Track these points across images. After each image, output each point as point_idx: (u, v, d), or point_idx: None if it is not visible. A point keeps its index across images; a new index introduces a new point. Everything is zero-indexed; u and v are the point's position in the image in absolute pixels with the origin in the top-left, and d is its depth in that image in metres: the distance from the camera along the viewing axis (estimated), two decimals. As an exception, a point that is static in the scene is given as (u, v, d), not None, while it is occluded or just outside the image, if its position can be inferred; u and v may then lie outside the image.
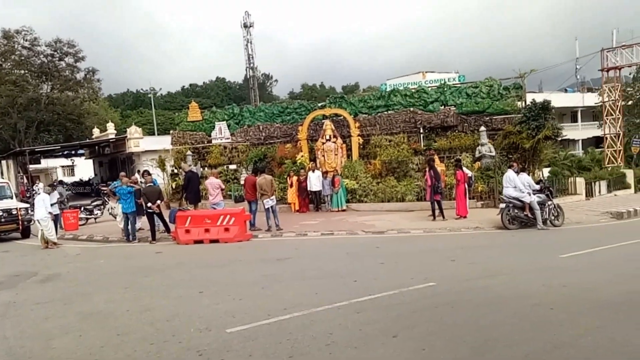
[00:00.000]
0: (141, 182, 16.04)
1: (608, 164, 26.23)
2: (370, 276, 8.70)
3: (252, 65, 67.19)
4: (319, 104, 25.00)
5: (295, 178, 20.16)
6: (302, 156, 21.97)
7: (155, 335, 6.09)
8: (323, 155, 21.51)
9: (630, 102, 36.71)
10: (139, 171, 22.94)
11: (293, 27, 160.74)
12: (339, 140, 21.64)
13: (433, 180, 15.54)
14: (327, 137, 21.55)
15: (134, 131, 38.31)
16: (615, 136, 26.59)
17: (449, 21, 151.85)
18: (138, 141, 37.89)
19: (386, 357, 5.08)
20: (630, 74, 37.70)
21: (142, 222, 15.74)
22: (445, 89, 22.19)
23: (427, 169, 16.19)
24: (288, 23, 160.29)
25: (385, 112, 22.73)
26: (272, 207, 15.15)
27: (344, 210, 19.40)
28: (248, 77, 70.72)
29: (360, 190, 20.07)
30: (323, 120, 22.54)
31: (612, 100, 26.71)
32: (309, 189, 19.99)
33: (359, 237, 13.80)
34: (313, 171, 20.05)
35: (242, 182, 21.19)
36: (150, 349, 5.62)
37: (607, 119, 26.84)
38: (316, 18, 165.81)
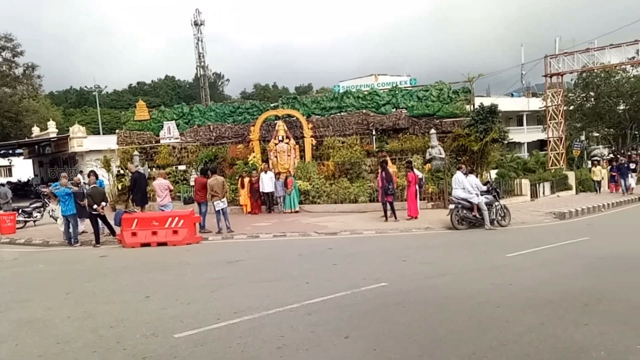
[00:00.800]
0: (84, 183, 15.40)
1: (551, 166, 27.24)
2: (322, 277, 8.64)
3: (202, 64, 66.27)
4: (272, 105, 24.78)
5: (247, 179, 19.91)
6: (254, 157, 21.73)
7: (98, 342, 5.81)
8: (276, 156, 21.35)
9: (571, 107, 38.33)
10: (81, 172, 22.07)
11: (246, 26, 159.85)
12: (292, 141, 21.54)
13: (385, 182, 15.67)
14: (280, 138, 21.41)
15: (77, 130, 36.96)
16: (558, 139, 27.65)
17: (401, 25, 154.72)
18: (81, 140, 36.58)
19: (337, 358, 5.03)
20: (571, 80, 39.39)
21: (86, 224, 15.13)
22: (397, 92, 22.48)
23: (379, 171, 16.31)
24: (240, 22, 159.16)
25: (338, 114, 22.78)
26: (223, 209, 14.88)
27: (296, 212, 19.31)
28: (199, 76, 69.59)
29: (314, 192, 20.03)
30: (276, 121, 22.37)
31: (555, 105, 27.77)
32: (261, 190, 19.78)
33: (311, 238, 13.73)
34: (265, 172, 19.86)
35: (191, 183, 20.77)
36: (92, 357, 5.36)
37: (551, 123, 27.89)
38: (269, 18, 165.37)
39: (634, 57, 29.29)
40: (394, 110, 22.24)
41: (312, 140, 21.71)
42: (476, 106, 20.58)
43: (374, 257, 10.69)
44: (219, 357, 5.17)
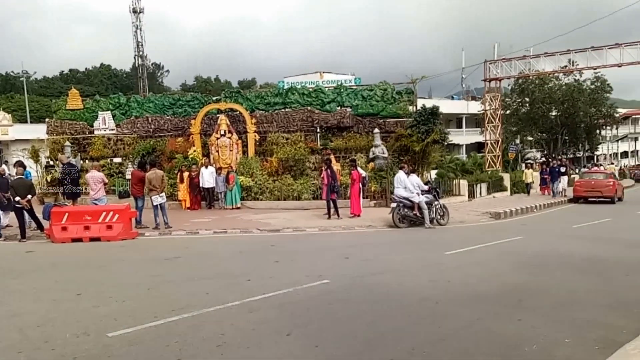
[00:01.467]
0: (9, 174, 14.46)
1: (488, 167, 28.26)
2: (264, 275, 8.49)
3: (141, 53, 63.89)
4: (214, 98, 24.26)
5: (186, 174, 19.38)
6: (194, 151, 21.22)
7: (24, 342, 5.41)
8: (217, 151, 20.93)
9: (508, 112, 39.94)
10: (6, 162, 20.77)
11: (188, 16, 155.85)
12: (235, 136, 21.18)
13: (330, 179, 15.68)
14: (222, 132, 21.00)
15: (1, 117, 34.87)
16: (494, 142, 28.72)
17: (346, 25, 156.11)
18: (7, 129, 34.64)
19: (279, 356, 4.93)
20: (508, 86, 41.05)
21: (12, 218, 14.22)
22: (342, 90, 22.59)
23: (324, 168, 16.32)
24: (183, 12, 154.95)
25: (283, 110, 22.62)
26: (161, 203, 14.39)
27: (238, 208, 19.00)
28: (137, 65, 66.79)
29: (256, 188, 19.79)
30: (218, 115, 21.94)
31: (493, 109, 28.82)
32: (201, 185, 19.32)
33: (253, 235, 13.53)
34: (206, 167, 19.42)
35: (127, 177, 20.01)
36: (18, 358, 4.98)
37: (488, 126, 28.93)
38: (212, 8, 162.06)
39: (566, 66, 30.82)
40: (339, 108, 22.34)
41: (255, 136, 21.44)
42: (419, 107, 21.00)
43: (317, 255, 10.65)
44: (156, 356, 4.94)
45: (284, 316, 6.14)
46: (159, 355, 4.97)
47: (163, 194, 14.56)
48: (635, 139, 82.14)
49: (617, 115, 50.00)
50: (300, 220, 15.68)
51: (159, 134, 23.24)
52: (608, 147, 67.36)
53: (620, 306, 6.43)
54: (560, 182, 25.02)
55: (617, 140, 71.01)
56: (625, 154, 79.43)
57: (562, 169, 25.95)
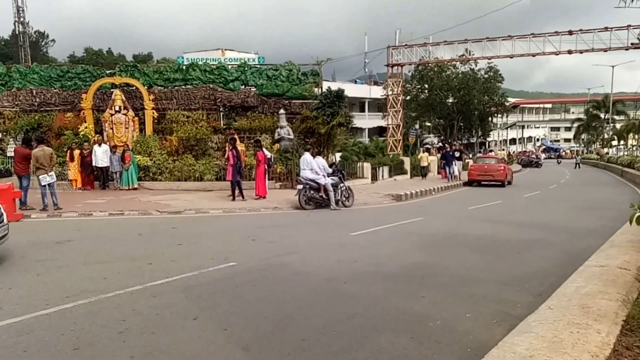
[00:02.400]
0: None
1: (390, 151, 29.18)
2: (166, 258, 8.06)
3: (22, 19, 57.98)
4: (108, 71, 22.71)
5: (77, 152, 18.01)
6: (86, 127, 19.80)
7: None
8: (112, 128, 19.66)
9: (408, 97, 41.44)
10: None
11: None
12: (131, 113, 19.99)
13: (235, 160, 15.30)
14: (117, 108, 19.74)
15: None
16: (396, 127, 29.68)
17: (248, 3, 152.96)
18: None
19: (186, 341, 4.64)
20: (409, 72, 42.56)
21: None
22: (246, 69, 22.08)
23: (229, 148, 15.89)
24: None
25: (184, 87, 21.71)
26: (50, 183, 13.23)
27: (135, 189, 18.04)
28: (17, 32, 60.64)
29: (155, 168, 18.88)
30: (112, 90, 20.58)
31: (395, 94, 29.70)
32: (94, 164, 18.07)
33: (153, 217, 12.88)
34: (99, 145, 18.19)
35: (9, 154, 18.27)
36: None
37: (390, 110, 29.81)
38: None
39: (463, 55, 32.47)
40: (243, 87, 21.87)
41: (153, 113, 20.40)
42: (324, 90, 21.07)
43: (222, 237, 10.33)
44: (50, 346, 4.46)
45: (190, 300, 5.84)
46: (53, 345, 4.50)
47: (52, 172, 13.40)
48: (523, 127, 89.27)
49: (508, 104, 53.82)
50: (203, 201, 15.18)
51: (45, 108, 21.37)
52: (499, 134, 72.48)
53: (513, 282, 6.80)
54: (455, 166, 26.23)
55: (507, 128, 76.66)
56: (513, 141, 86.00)
57: (457, 154, 27.25)
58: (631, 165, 32.44)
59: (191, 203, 14.80)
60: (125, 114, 19.80)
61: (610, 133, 60.46)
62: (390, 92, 30.20)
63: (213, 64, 22.58)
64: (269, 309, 5.54)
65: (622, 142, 58.51)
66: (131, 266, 7.49)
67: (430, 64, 37.49)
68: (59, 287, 6.29)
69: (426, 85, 44.29)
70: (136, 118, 20.14)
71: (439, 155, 29.34)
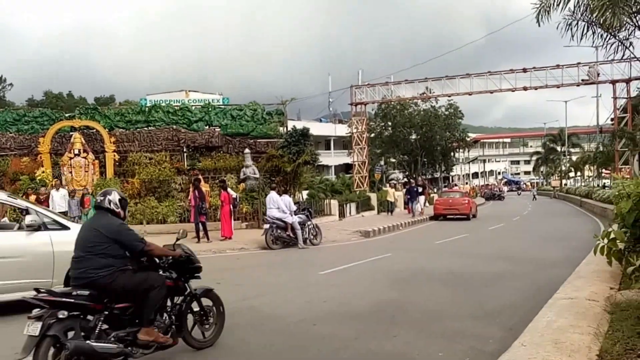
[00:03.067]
0: None
1: (356, 188, 29.32)
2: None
3: (-22, 64, 56.85)
4: (67, 115, 22.28)
5: (33, 197, 17.32)
6: (43, 172, 19.17)
7: None
8: (70, 172, 19.13)
9: (373, 135, 42.02)
10: None
11: (34, 26, 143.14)
12: (91, 156, 19.53)
13: (198, 201, 15.04)
14: (76, 152, 19.26)
15: None
16: (361, 163, 29.93)
17: (212, 45, 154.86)
18: None
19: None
20: (372, 110, 43.31)
21: None
22: (210, 109, 22.04)
23: (192, 189, 15.61)
24: (28, 22, 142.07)
25: (146, 128, 21.43)
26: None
27: (96, 234, 17.38)
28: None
29: (117, 212, 18.33)
30: (71, 133, 20.12)
31: (359, 131, 30.08)
32: (51, 209, 17.40)
33: (113, 262, 12.37)
34: (57, 189, 17.56)
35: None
36: None
37: (355, 148, 30.11)
38: (62, 20, 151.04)
39: (424, 93, 33.29)
40: (207, 127, 21.75)
41: (114, 155, 19.97)
42: (289, 129, 21.15)
43: (186, 280, 9.97)
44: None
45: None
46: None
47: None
48: (484, 161, 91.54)
49: (468, 139, 55.21)
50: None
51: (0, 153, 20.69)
52: (461, 168, 74.05)
53: (484, 316, 6.73)
54: (418, 201, 26.20)
55: (469, 162, 78.46)
56: (475, 175, 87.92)
57: (420, 189, 27.26)
58: (589, 196, 33.44)
59: (154, 247, 14.34)
60: (85, 157, 19.33)
61: (568, 165, 62.49)
62: (354, 130, 30.59)
63: (176, 105, 22.47)
64: (237, 356, 5.37)
65: (578, 173, 60.48)
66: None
67: (392, 102, 38.28)
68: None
69: (389, 123, 45.11)
70: (96, 161, 19.67)
71: (404, 190, 29.46)
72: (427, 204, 29.67)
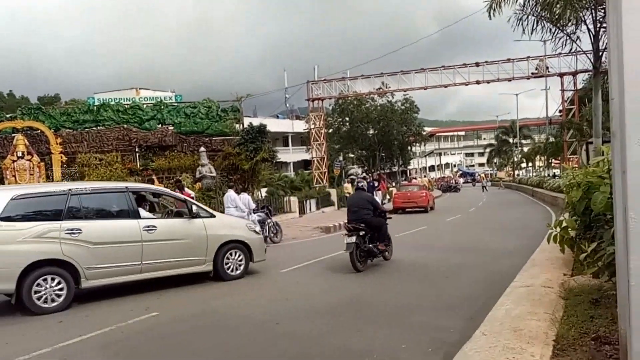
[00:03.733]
0: None
1: (316, 184, 29.33)
2: (80, 314, 7.38)
3: None
4: (8, 115, 21.30)
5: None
6: (-17, 177, 18.30)
7: None
8: (14, 175, 18.25)
9: (331, 130, 42.11)
10: None
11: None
12: (36, 158, 18.68)
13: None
14: (20, 154, 18.36)
15: None
16: (320, 159, 29.96)
17: (164, 42, 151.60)
18: None
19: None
20: (329, 106, 43.37)
21: None
22: (163, 107, 21.56)
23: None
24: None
25: (95, 128, 20.76)
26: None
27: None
28: None
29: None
30: (14, 135, 19.24)
31: (317, 127, 30.09)
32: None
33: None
34: (1, 194, 16.81)
35: None
36: None
37: (314, 144, 30.12)
38: (6, 17, 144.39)
39: (380, 88, 33.58)
40: (160, 126, 21.26)
41: (61, 157, 19.19)
42: (245, 126, 20.92)
43: (142, 286, 9.65)
44: None
45: (108, 357, 5.33)
46: None
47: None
48: (440, 154, 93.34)
49: (424, 133, 56.10)
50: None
51: None
52: (418, 162, 75.22)
53: (445, 307, 6.81)
54: (375, 196, 26.27)
55: (425, 156, 79.82)
56: (432, 168, 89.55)
57: (376, 183, 27.02)
58: (540, 185, 34.54)
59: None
60: (29, 160, 18.48)
61: (519, 156, 64.41)
62: (312, 126, 30.58)
63: (127, 104, 21.86)
64: (199, 359, 5.23)
65: (530, 164, 62.44)
66: (39, 326, 6.78)
67: (349, 98, 38.47)
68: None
69: (347, 118, 45.30)
70: (42, 163, 18.84)
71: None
72: (387, 197, 29.83)
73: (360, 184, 11.26)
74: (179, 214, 9.41)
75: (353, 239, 9.42)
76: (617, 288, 3.27)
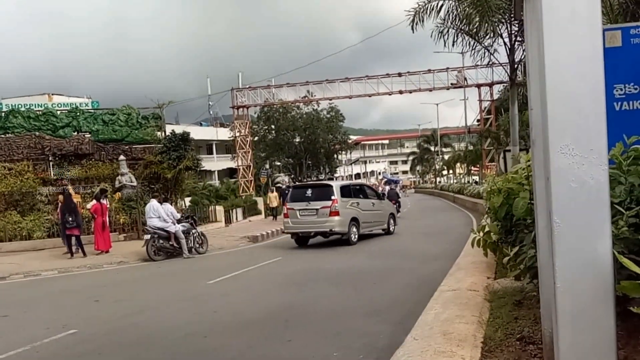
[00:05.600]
0: None
1: (242, 192, 28.92)
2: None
3: None
4: None
5: None
6: None
7: None
8: None
9: (256, 138, 41.83)
10: None
11: None
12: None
13: (64, 214, 13.91)
14: None
15: None
16: (246, 168, 29.61)
17: (76, 46, 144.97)
18: None
19: None
20: (255, 114, 43.09)
21: None
22: (79, 114, 20.53)
23: (60, 201, 14.38)
24: None
25: (3, 136, 19.41)
26: None
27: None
28: None
29: (-30, 229, 16.35)
30: None
31: (243, 135, 29.75)
32: None
33: (-32, 287, 10.98)
34: None
35: None
36: None
37: (239, 152, 29.74)
38: None
39: (305, 96, 33.79)
40: (75, 133, 20.19)
41: (-35, 166, 17.81)
42: (168, 133, 20.32)
43: (58, 301, 9.11)
44: None
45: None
46: None
47: None
48: (365, 162, 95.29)
49: (350, 141, 57.04)
50: (33, 263, 13.44)
51: None
52: (344, 169, 76.30)
53: (374, 313, 6.88)
54: None
55: (351, 164, 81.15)
56: (358, 176, 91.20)
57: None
58: (461, 192, 36.02)
59: (19, 266, 12.99)
60: None
61: (441, 164, 67.03)
62: (237, 134, 30.22)
63: (38, 110, 20.61)
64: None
65: (451, 171, 65.14)
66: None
67: (275, 105, 38.42)
68: None
69: (273, 126, 45.26)
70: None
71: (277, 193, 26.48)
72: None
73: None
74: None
75: None
76: (540, 290, 3.41)
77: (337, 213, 14.42)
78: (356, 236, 14.95)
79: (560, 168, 2.34)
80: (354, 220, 14.93)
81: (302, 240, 15.60)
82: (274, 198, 25.97)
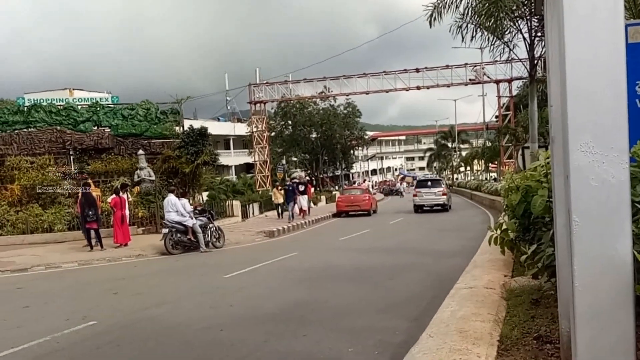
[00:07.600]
0: None
1: (259, 187, 29.04)
2: (10, 325, 6.96)
3: None
4: None
5: None
6: None
7: None
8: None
9: (273, 134, 41.98)
10: None
11: None
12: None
13: (85, 207, 14.10)
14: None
15: None
16: (263, 163, 29.73)
17: (97, 42, 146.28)
18: None
19: None
20: (272, 109, 43.19)
21: None
22: (99, 109, 20.74)
23: (80, 195, 14.59)
24: None
25: (25, 130, 19.72)
26: None
27: (-31, 247, 15.69)
28: None
29: (-7, 221, 16.71)
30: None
31: (260, 130, 29.86)
32: None
33: (-8, 278, 11.21)
34: None
35: None
36: None
37: (256, 147, 29.87)
38: None
39: (322, 92, 33.78)
40: (96, 128, 20.44)
41: (-12, 160, 18.17)
42: (186, 128, 20.46)
43: (78, 293, 9.26)
44: None
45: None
46: None
47: None
48: (382, 158, 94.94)
49: (366, 137, 56.90)
50: (54, 255, 13.65)
51: None
52: (361, 165, 76.16)
53: (390, 309, 6.88)
54: (295, 203, 22.20)
55: (368, 160, 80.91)
56: (374, 172, 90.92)
57: (301, 188, 23.32)
58: (478, 189, 35.75)
59: (40, 258, 13.20)
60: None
61: (458, 160, 66.49)
62: (254, 129, 30.34)
63: (60, 105, 20.87)
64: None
65: (468, 167, 64.58)
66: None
67: (292, 101, 38.47)
68: None
69: (290, 122, 45.35)
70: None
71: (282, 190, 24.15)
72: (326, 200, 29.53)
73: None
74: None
75: None
76: (558, 288, 3.38)
77: (444, 194, 25.71)
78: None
79: (580, 166, 2.31)
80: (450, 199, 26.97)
81: (419, 208, 26.16)
82: (278, 194, 24.13)
